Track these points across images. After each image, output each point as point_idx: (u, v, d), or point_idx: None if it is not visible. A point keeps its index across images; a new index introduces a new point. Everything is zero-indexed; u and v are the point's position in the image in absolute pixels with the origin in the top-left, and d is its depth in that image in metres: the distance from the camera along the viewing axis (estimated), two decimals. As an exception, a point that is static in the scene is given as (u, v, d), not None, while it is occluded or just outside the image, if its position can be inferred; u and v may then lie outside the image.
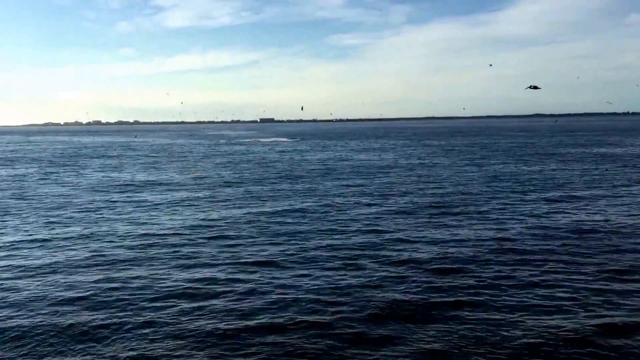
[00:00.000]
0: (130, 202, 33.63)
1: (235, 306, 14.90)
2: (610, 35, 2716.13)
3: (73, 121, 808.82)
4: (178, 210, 30.38)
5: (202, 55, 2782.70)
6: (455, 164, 57.71)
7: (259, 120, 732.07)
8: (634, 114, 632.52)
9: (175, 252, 20.84)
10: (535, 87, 35.54)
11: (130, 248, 21.52)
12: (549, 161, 58.75)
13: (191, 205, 31.87)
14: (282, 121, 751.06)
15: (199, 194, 36.44)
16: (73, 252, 20.72)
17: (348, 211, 29.33)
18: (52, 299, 15.71)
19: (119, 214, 29.19)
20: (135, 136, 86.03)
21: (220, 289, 16.36)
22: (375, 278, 17.21)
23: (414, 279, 17.05)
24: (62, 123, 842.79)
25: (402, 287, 16.29)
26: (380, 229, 24.51)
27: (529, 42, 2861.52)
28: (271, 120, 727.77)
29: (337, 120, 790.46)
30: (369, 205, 31.17)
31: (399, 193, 35.75)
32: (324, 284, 16.66)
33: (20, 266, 19.09)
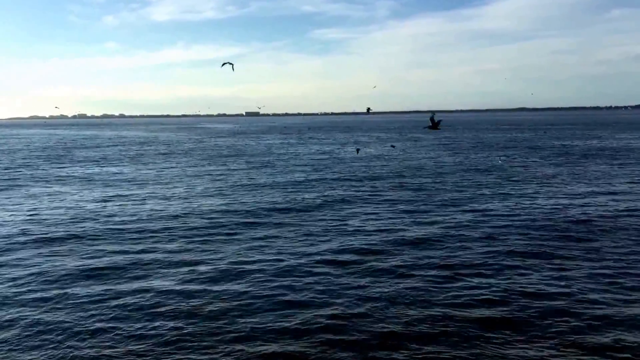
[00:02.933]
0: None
1: (224, 306, 14.98)
2: (592, 31, 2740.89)
3: (58, 115, 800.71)
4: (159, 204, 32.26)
5: (187, 49, 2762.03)
6: (440, 157, 60.51)
7: (244, 114, 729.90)
8: (616, 108, 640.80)
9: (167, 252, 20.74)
10: (228, 64, 36.03)
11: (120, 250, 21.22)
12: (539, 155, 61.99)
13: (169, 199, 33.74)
14: (267, 115, 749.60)
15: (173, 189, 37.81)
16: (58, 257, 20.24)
17: (336, 206, 30.00)
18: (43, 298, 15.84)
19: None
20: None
21: (209, 291, 16.36)
22: (370, 276, 17.42)
23: (409, 277, 17.33)
24: (47, 116, 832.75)
25: (398, 286, 16.45)
26: (372, 227, 24.67)
27: (513, 37, 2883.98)
28: (257, 114, 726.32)
29: (322, 114, 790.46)
30: (360, 199, 32.37)
31: (388, 187, 37.04)
32: (317, 284, 16.77)
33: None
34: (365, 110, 43.99)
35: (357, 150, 52.98)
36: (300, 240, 22.27)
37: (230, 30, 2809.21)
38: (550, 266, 18.24)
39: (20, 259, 20.06)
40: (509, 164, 50.54)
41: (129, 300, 15.65)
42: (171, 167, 52.86)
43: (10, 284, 17.30)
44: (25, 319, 14.43)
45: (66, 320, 14.30)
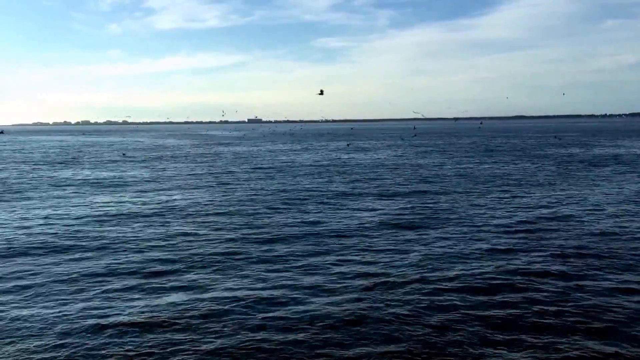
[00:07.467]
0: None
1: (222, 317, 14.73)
2: (588, 40, 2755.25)
3: (62, 121, 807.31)
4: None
5: (190, 56, 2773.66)
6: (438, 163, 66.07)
7: (247, 121, 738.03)
8: (610, 116, 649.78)
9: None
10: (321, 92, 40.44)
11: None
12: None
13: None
14: (269, 122, 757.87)
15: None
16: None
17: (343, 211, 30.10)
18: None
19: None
20: None
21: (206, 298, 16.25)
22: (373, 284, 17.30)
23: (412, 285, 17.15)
24: (50, 123, 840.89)
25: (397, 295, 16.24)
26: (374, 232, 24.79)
27: (510, 46, 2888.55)
28: (259, 121, 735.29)
29: (323, 121, 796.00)
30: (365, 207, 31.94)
31: (392, 193, 37.68)
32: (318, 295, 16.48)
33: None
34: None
35: (348, 144, 56.40)
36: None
37: (233, 38, 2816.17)
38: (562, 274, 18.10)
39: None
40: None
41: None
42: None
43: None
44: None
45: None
